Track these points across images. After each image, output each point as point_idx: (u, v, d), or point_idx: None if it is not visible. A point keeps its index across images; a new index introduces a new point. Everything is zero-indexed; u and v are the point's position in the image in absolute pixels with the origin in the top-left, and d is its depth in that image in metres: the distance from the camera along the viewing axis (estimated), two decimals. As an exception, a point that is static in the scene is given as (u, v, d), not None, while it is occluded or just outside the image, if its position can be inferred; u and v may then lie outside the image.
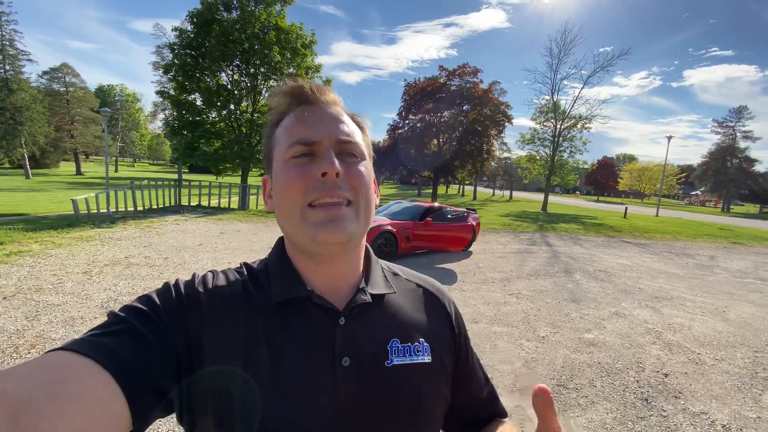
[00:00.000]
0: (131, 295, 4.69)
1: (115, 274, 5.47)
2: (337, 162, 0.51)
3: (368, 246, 0.65)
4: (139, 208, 12.16)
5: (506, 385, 3.14)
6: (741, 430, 2.73)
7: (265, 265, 0.60)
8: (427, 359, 0.57)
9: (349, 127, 0.56)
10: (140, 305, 0.48)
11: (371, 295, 0.58)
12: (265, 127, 0.61)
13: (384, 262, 0.68)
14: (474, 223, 9.20)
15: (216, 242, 8.22)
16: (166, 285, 0.52)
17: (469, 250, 9.22)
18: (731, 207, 50.80)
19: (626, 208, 25.65)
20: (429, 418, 0.56)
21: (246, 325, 0.51)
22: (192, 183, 16.24)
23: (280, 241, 0.61)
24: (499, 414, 0.70)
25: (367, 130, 0.62)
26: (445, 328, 0.64)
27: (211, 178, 22.98)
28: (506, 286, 6.26)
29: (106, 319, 0.46)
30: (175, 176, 24.76)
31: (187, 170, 46.50)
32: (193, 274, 0.56)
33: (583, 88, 25.02)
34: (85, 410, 0.35)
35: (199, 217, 11.81)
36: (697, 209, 47.22)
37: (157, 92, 16.80)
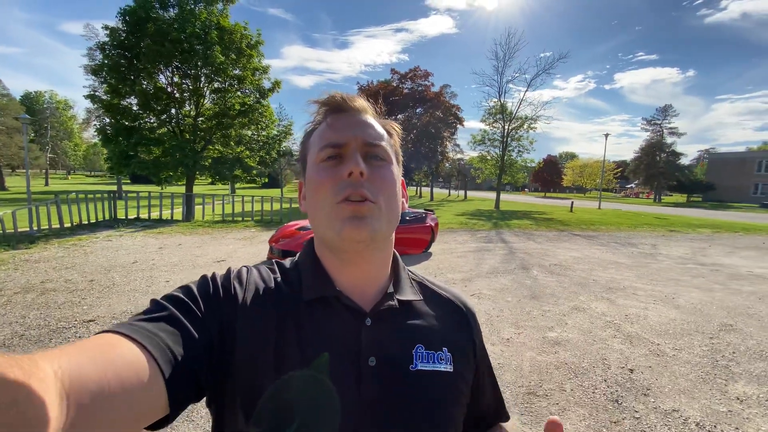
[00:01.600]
0: (42, 329, 3.99)
1: (26, 304, 4.69)
2: (362, 163, 0.53)
3: (396, 252, 0.64)
4: (67, 225, 10.85)
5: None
6: (715, 426, 2.65)
7: (295, 264, 0.61)
8: (449, 368, 0.57)
9: (377, 131, 0.57)
10: (181, 295, 0.49)
11: (398, 300, 0.58)
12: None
13: (410, 269, 0.68)
14: (432, 224, 9.07)
15: (153, 258, 7.44)
16: (204, 277, 0.54)
17: (429, 251, 9.08)
18: (662, 197, 55.11)
19: (572, 202, 26.91)
20: (449, 425, 0.56)
21: (277, 320, 0.52)
22: (129, 195, 14.92)
23: (311, 242, 0.63)
24: (501, 418, 0.72)
25: (396, 136, 0.62)
26: (466, 340, 0.64)
27: (155, 188, 21.37)
28: (467, 287, 6.12)
29: (148, 306, 0.47)
30: (114, 188, 22.83)
31: (128, 181, 43.24)
32: (228, 269, 0.58)
33: (527, 90, 26.00)
34: (128, 392, 0.36)
35: (136, 231, 10.76)
36: (632, 201, 50.78)
37: (87, 96, 15.21)
